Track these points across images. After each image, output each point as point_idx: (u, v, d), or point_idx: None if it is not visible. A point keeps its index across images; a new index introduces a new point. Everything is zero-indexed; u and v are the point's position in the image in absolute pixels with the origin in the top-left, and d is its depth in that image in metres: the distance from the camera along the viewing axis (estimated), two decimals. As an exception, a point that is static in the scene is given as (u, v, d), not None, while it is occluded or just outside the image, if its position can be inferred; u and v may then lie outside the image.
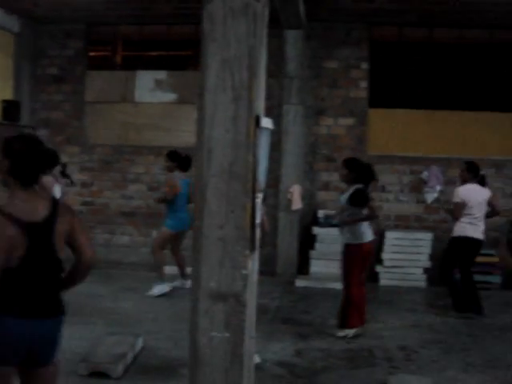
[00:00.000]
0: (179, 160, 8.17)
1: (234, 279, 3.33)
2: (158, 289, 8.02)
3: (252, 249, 3.38)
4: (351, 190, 6.57)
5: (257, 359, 4.95)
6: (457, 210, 7.60)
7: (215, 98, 3.32)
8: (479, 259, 9.15)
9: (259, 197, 3.51)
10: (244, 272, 3.32)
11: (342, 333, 6.55)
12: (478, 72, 9.91)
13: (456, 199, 7.64)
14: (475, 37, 9.78)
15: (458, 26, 9.62)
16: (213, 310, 3.36)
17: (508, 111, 9.79)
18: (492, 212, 7.87)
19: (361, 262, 6.57)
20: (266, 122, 3.53)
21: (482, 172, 7.80)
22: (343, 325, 6.59)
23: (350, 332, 6.53)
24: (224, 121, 3.30)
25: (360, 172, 6.62)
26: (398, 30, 9.80)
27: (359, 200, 6.50)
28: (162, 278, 8.09)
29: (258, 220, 3.47)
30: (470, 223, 7.57)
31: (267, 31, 3.54)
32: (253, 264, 3.49)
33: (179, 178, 8.10)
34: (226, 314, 3.35)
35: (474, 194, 7.60)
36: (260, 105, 3.50)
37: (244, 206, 3.30)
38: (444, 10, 8.77)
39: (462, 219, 7.57)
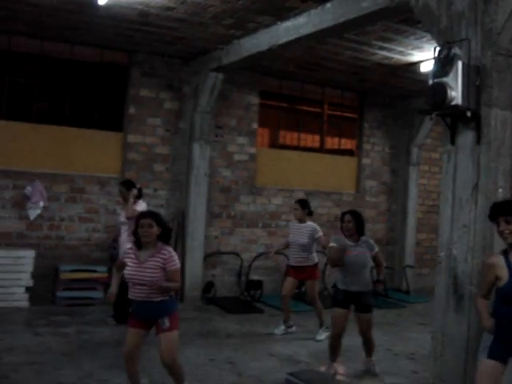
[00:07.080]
0: None
1: None
2: None
3: None
4: None
5: None
6: None
7: None
8: (84, 275, 9.32)
9: None
10: None
11: None
12: (86, 89, 9.97)
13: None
14: (86, 54, 9.86)
15: (70, 41, 9.59)
16: None
17: (114, 130, 10.07)
18: None
19: None
20: None
21: (138, 186, 8.17)
22: None
23: None
24: None
25: None
26: (8, 39, 9.34)
27: None
28: None
29: None
30: None
31: None
32: None
33: None
34: None
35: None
36: None
37: None
38: (55, 23, 8.64)
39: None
